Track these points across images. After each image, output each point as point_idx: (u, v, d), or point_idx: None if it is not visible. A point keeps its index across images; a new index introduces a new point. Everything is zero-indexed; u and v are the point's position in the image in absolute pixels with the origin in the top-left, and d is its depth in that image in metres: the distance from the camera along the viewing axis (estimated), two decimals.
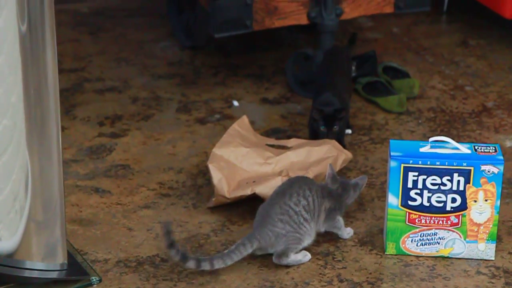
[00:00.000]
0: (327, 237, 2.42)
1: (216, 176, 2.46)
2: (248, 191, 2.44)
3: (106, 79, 3.25)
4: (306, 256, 2.32)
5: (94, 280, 2.25)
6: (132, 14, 3.75)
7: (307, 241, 2.32)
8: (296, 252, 2.31)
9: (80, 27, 3.63)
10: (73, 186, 2.64)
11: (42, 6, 1.98)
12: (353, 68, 3.21)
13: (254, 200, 2.45)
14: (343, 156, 2.61)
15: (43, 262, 2.18)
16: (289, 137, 2.83)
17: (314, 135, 2.72)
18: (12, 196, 2.10)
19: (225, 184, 2.45)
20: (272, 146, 2.71)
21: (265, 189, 2.43)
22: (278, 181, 2.43)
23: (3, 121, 2.03)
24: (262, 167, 2.55)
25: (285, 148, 2.71)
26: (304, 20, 3.05)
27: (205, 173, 2.70)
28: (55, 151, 2.11)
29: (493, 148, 2.30)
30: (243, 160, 2.54)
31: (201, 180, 2.67)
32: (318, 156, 2.58)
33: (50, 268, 2.19)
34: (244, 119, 2.71)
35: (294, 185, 2.32)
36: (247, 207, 2.49)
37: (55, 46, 2.04)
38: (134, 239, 2.42)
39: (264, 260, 2.33)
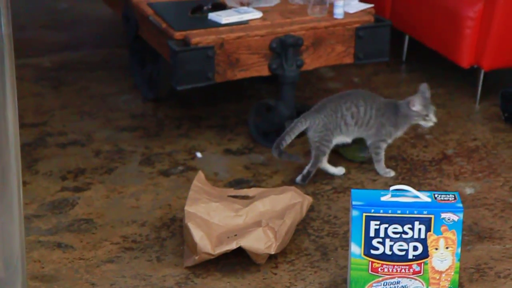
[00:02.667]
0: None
1: (197, 234, 2.43)
2: (233, 245, 2.43)
3: (68, 132, 3.24)
4: (341, 171, 2.94)
5: None
6: (94, 68, 3.77)
7: (339, 138, 2.91)
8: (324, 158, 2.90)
9: (42, 81, 3.64)
10: (35, 241, 2.61)
11: (2, 60, 1.98)
12: None
13: None
14: (306, 201, 2.64)
15: None
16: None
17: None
18: None
19: (207, 241, 2.43)
20: (235, 197, 2.72)
21: (249, 241, 2.43)
22: (260, 232, 2.43)
23: None
24: (234, 219, 2.55)
25: (247, 198, 2.72)
26: (265, 72, 3.08)
27: (169, 226, 2.69)
28: (16, 207, 2.09)
29: (453, 196, 2.32)
30: (214, 215, 2.54)
31: (165, 232, 2.66)
32: (284, 204, 2.60)
33: None
34: (200, 174, 2.72)
35: (353, 94, 2.94)
36: (210, 259, 2.48)
37: (16, 101, 2.04)
38: None
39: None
